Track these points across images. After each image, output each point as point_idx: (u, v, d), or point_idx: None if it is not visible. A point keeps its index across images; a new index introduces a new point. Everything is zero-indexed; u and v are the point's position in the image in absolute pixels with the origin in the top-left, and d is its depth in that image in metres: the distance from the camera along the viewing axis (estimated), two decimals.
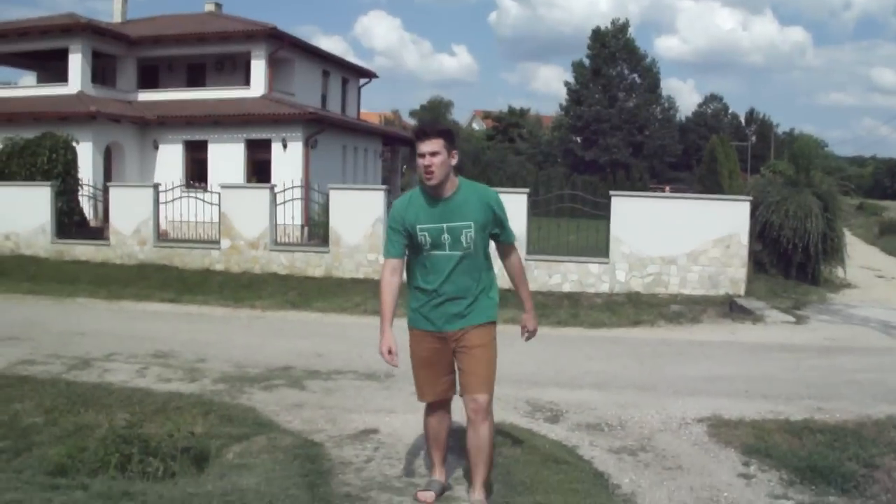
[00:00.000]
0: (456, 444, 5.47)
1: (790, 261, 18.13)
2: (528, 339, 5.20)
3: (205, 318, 13.57)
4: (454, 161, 4.82)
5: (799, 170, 19.73)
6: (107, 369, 9.15)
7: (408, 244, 4.91)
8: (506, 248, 5.11)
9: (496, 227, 4.96)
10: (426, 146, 4.74)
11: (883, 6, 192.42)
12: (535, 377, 8.75)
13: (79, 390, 7.88)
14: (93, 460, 5.57)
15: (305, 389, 8.38)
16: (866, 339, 12.21)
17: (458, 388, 4.99)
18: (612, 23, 64.89)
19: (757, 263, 18.07)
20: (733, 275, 15.88)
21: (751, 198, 17.14)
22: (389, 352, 4.74)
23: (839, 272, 19.10)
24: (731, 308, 14.59)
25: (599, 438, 6.66)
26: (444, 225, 4.79)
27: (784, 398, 7.98)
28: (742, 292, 15.71)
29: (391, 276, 4.93)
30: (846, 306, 15.43)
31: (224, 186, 19.29)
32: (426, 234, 4.80)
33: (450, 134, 4.88)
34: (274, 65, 30.77)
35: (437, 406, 5.10)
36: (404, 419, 6.85)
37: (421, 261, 4.92)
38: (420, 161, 4.77)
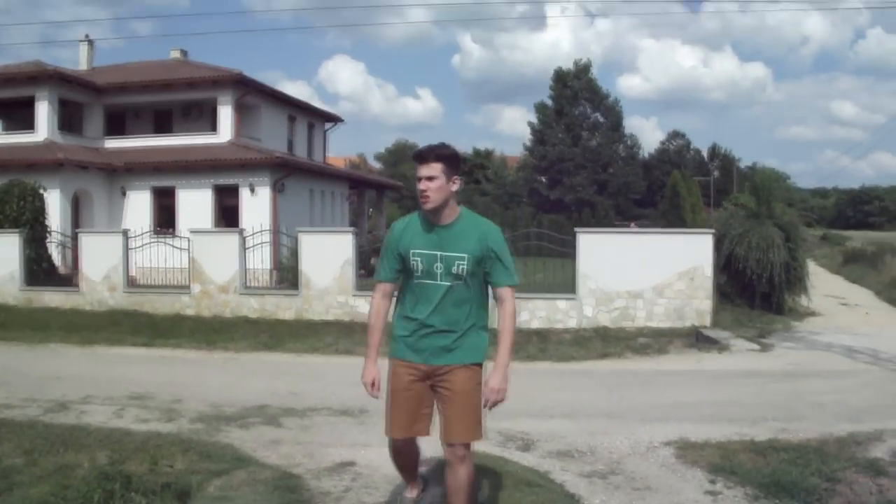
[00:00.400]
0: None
1: (754, 291, 18.51)
2: (486, 403, 4.64)
3: (179, 361, 13.62)
4: (455, 187, 4.61)
5: (760, 202, 20.14)
6: (84, 411, 9.19)
7: (400, 269, 4.75)
8: (499, 292, 4.73)
9: (489, 265, 4.66)
10: (423, 170, 4.55)
11: (840, 40, 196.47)
12: (506, 409, 8.77)
13: (57, 431, 7.91)
14: (76, 497, 5.65)
15: (282, 426, 8.48)
16: (829, 363, 12.52)
17: (435, 429, 4.75)
18: (574, 64, 65.73)
19: (723, 295, 18.40)
20: (699, 306, 16.18)
21: (713, 230, 17.49)
22: (373, 384, 4.68)
23: (803, 301, 19.46)
24: (697, 338, 14.84)
25: (570, 464, 6.83)
26: (439, 253, 4.61)
27: (749, 421, 8.20)
28: (708, 323, 16.00)
29: (381, 300, 4.83)
30: (810, 333, 15.78)
31: (194, 232, 19.48)
32: (419, 259, 4.63)
33: (453, 158, 4.64)
34: (241, 110, 31.01)
35: (404, 442, 4.87)
36: (380, 452, 6.90)
37: (411, 288, 4.74)
38: (417, 185, 4.59)
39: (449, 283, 4.61)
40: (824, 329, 16.36)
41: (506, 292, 4.71)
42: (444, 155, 4.59)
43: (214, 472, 6.39)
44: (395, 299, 4.91)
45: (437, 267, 4.60)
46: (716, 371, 12.08)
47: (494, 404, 4.63)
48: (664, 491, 6.00)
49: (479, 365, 4.73)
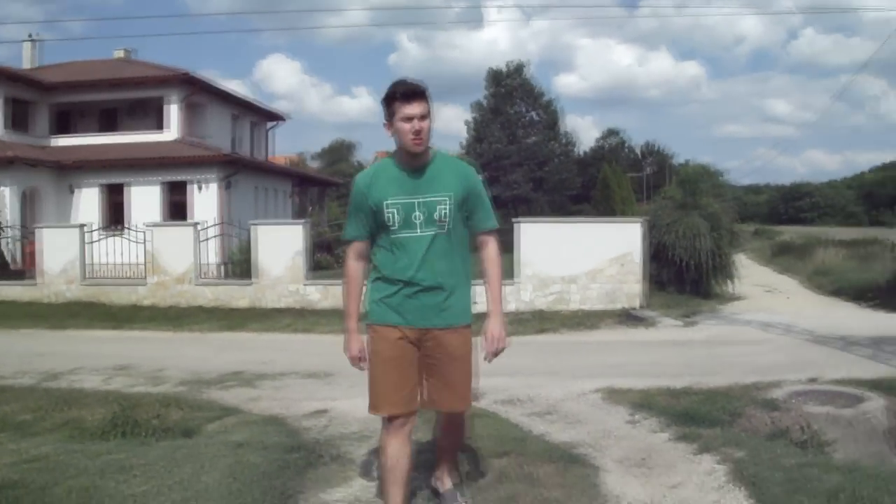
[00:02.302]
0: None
1: (684, 278, 19.76)
2: (489, 354, 4.37)
3: (151, 340, 14.53)
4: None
5: (687, 194, 21.46)
6: (75, 380, 10.11)
7: (372, 226, 4.26)
8: (482, 237, 4.41)
9: (469, 208, 4.30)
10: (415, 108, 4.06)
11: (774, 41, 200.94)
12: None
13: (57, 394, 8.79)
14: (94, 437, 6.62)
15: (257, 388, 9.47)
16: (746, 334, 13.78)
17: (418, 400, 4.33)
18: (507, 65, 66.66)
19: (656, 282, 19.60)
20: (629, 290, 17.36)
21: (642, 219, 18.71)
22: (359, 356, 4.29)
23: (729, 287, 20.80)
24: (627, 317, 16.02)
25: (514, 408, 7.89)
26: (417, 199, 4.15)
27: (668, 376, 9.28)
28: (638, 305, 17.16)
29: (356, 261, 4.34)
30: (733, 313, 17.05)
31: (150, 224, 20.26)
32: (396, 210, 4.14)
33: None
34: (187, 109, 31.70)
35: (398, 426, 4.23)
36: (350, 403, 7.89)
37: (387, 245, 4.23)
38: (405, 126, 4.06)
39: (432, 233, 4.17)
40: (747, 310, 17.63)
41: (489, 236, 4.42)
42: (426, 91, 4.17)
43: (208, 419, 7.39)
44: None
45: (415, 216, 4.15)
46: (642, 341, 13.34)
47: (496, 354, 4.38)
48: (593, 422, 7.11)
49: (469, 326, 4.37)
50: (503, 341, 4.35)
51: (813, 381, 8.74)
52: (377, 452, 4.80)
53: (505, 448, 5.75)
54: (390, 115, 4.13)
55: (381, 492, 4.45)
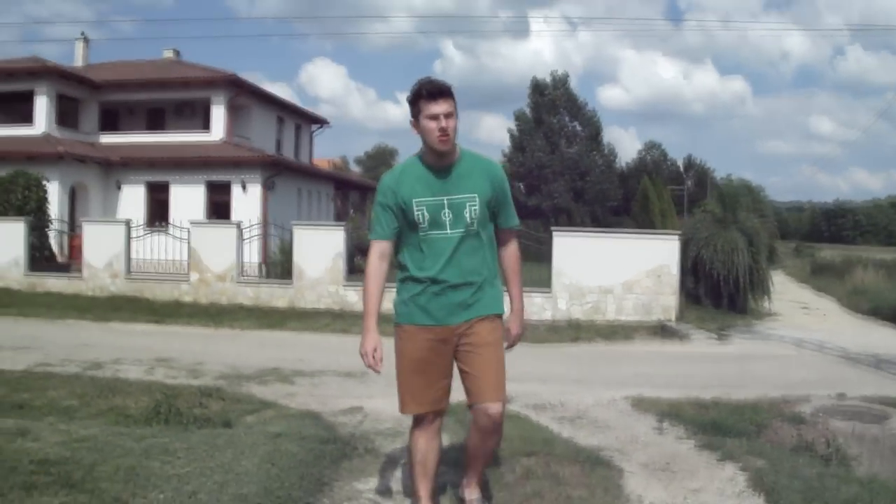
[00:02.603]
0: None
1: (720, 292, 19.75)
2: (510, 346, 4.43)
3: (191, 335, 14.83)
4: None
5: (726, 209, 21.48)
6: (118, 369, 10.42)
7: (399, 225, 4.25)
8: (505, 235, 4.41)
9: (496, 207, 4.31)
10: (441, 107, 4.05)
11: (819, 57, 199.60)
12: None
13: (101, 382, 9.11)
14: (138, 423, 6.88)
15: (294, 384, 9.75)
16: (778, 350, 13.83)
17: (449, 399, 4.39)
18: (551, 75, 66.74)
19: (692, 297, 19.64)
20: (665, 302, 17.46)
21: (679, 233, 18.80)
22: (374, 353, 4.13)
23: (765, 303, 20.77)
24: (662, 329, 16.13)
25: (544, 413, 8.08)
26: (445, 198, 4.14)
27: (698, 387, 9.42)
28: (673, 318, 17.24)
29: (379, 260, 4.26)
30: (767, 329, 17.02)
31: (194, 223, 20.61)
32: (424, 209, 4.13)
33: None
34: (232, 110, 32.16)
35: (427, 422, 4.31)
36: (384, 401, 8.07)
37: (414, 243, 4.22)
38: (432, 124, 4.06)
39: (461, 232, 4.17)
40: (781, 327, 17.55)
41: (512, 234, 4.46)
42: (452, 90, 4.15)
43: (247, 411, 7.67)
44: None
45: (444, 214, 4.15)
46: (674, 353, 13.47)
47: (513, 346, 4.46)
48: (621, 428, 7.28)
49: (500, 316, 4.35)
50: (519, 338, 4.48)
51: (841, 396, 8.86)
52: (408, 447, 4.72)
53: (532, 448, 5.93)
54: (416, 113, 4.13)
55: (411, 484, 4.53)
